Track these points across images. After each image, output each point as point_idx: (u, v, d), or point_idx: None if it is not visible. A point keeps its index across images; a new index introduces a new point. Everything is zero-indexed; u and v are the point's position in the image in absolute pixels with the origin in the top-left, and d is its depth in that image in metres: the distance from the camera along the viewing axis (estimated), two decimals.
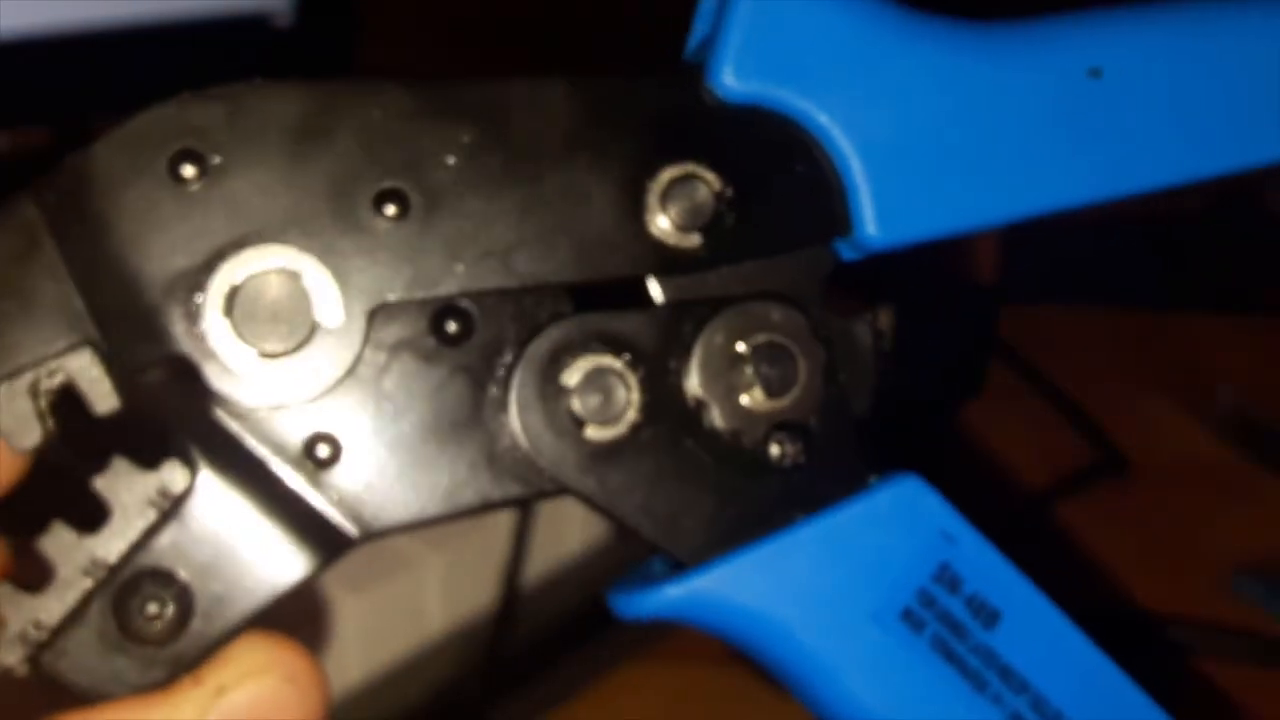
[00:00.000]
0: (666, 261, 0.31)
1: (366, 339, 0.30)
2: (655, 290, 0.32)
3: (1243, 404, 0.86)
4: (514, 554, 0.63)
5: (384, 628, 0.60)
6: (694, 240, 0.31)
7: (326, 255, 0.29)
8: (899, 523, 0.31)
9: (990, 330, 0.88)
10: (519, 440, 0.30)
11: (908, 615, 0.31)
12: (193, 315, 0.29)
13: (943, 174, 0.32)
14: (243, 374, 0.29)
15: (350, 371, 0.30)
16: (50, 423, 0.28)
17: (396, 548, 0.61)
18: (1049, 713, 0.32)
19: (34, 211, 0.28)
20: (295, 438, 0.29)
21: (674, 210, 0.31)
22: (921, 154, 0.32)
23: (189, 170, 0.29)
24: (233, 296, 0.29)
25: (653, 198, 0.31)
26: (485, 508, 0.31)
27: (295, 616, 0.58)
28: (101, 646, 0.29)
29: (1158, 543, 0.75)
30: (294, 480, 0.29)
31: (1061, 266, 0.93)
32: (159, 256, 0.29)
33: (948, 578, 0.32)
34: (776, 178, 0.32)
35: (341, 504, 0.30)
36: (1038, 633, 0.32)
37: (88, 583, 0.28)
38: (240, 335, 0.29)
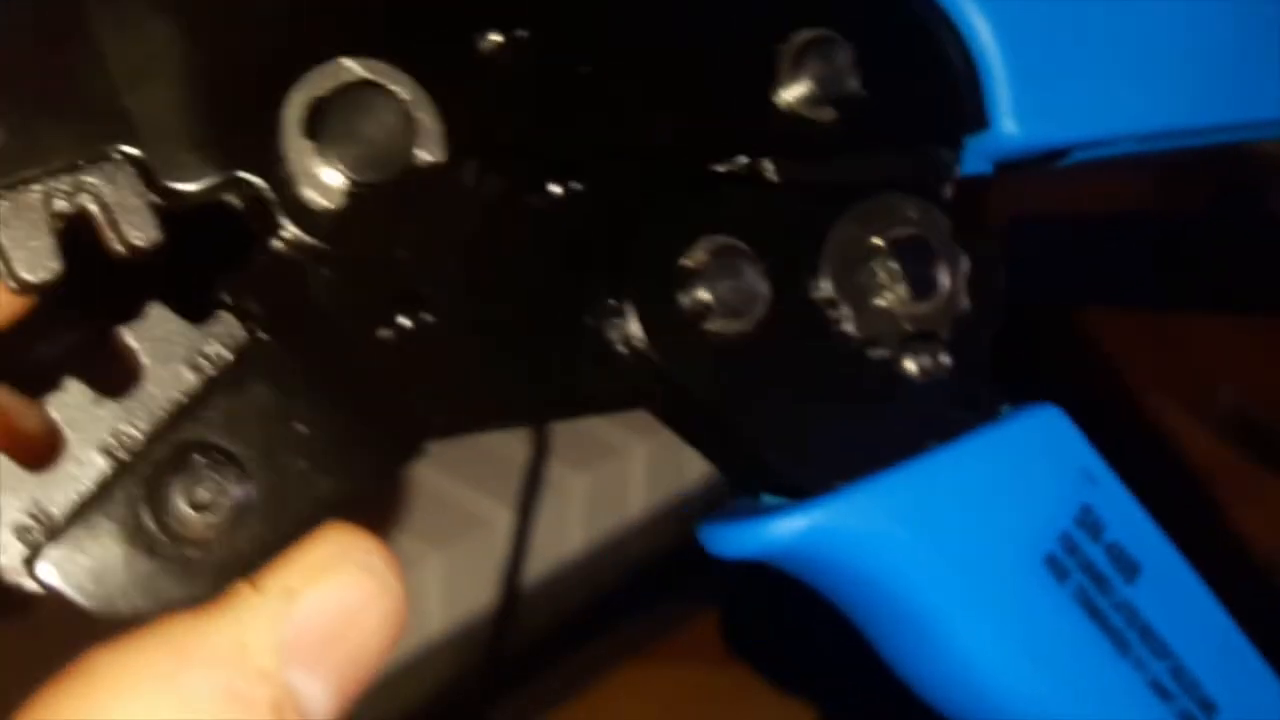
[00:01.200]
0: (797, 136, 0.27)
1: (467, 187, 0.24)
2: (774, 174, 0.28)
3: (1243, 404, 0.86)
4: (514, 554, 0.63)
5: None
6: (828, 114, 0.27)
7: (428, 77, 0.24)
8: (1041, 457, 0.28)
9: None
10: (632, 332, 0.25)
11: (1051, 562, 0.28)
12: (266, 129, 0.23)
13: (1075, 74, 0.29)
14: (324, 207, 0.23)
15: (446, 223, 0.24)
16: (63, 254, 0.21)
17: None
18: (1187, 681, 0.29)
19: None
20: (378, 297, 0.24)
21: (809, 76, 0.27)
22: (1056, 49, 0.29)
23: None
24: (317, 111, 0.23)
25: (785, 62, 0.27)
26: (584, 412, 0.27)
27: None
28: (127, 545, 0.22)
29: None
30: (373, 350, 0.24)
31: (1061, 266, 0.93)
32: (224, 56, 0.23)
33: (1090, 522, 0.28)
34: (911, 56, 0.28)
35: (424, 388, 0.24)
36: (1175, 591, 0.29)
37: (107, 460, 0.22)
38: (325, 158, 0.23)
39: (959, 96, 0.29)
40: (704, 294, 0.26)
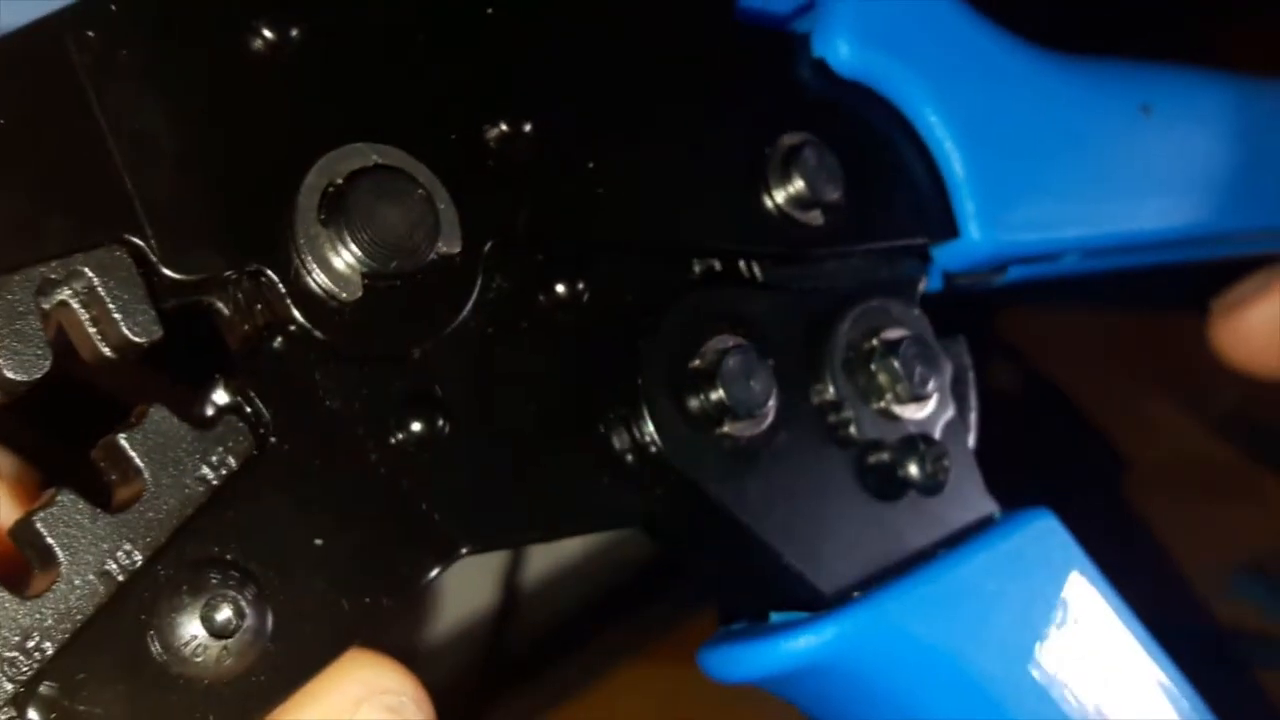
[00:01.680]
0: (786, 238, 0.27)
1: (483, 280, 0.23)
2: (762, 275, 0.28)
3: (1243, 404, 0.86)
4: (514, 554, 0.63)
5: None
6: (815, 217, 0.27)
7: (442, 165, 0.23)
8: (1040, 564, 0.29)
9: None
10: (647, 434, 0.24)
11: (1058, 668, 0.28)
12: (277, 214, 0.21)
13: (1033, 185, 0.31)
14: (338, 299, 0.21)
15: (463, 319, 0.23)
16: (53, 350, 0.19)
17: None
18: None
19: (72, 52, 0.20)
20: (392, 399, 0.22)
21: (799, 177, 0.27)
22: (1016, 162, 0.30)
23: (269, 33, 0.21)
24: (333, 198, 0.21)
25: (773, 166, 0.27)
26: (600, 527, 0.26)
27: None
28: (130, 680, 0.19)
29: (1157, 543, 0.75)
30: (387, 457, 0.22)
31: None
32: (233, 137, 0.21)
33: (1085, 628, 0.29)
34: (885, 162, 0.29)
35: (442, 499, 0.23)
36: (1159, 700, 0.29)
37: (105, 583, 0.19)
38: (341, 245, 0.21)
39: (929, 206, 0.30)
40: (716, 395, 0.25)
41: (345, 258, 0.21)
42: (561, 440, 0.24)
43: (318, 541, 0.21)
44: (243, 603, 0.20)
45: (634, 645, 0.67)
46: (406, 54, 0.23)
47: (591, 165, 0.25)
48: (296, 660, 0.20)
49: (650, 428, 0.25)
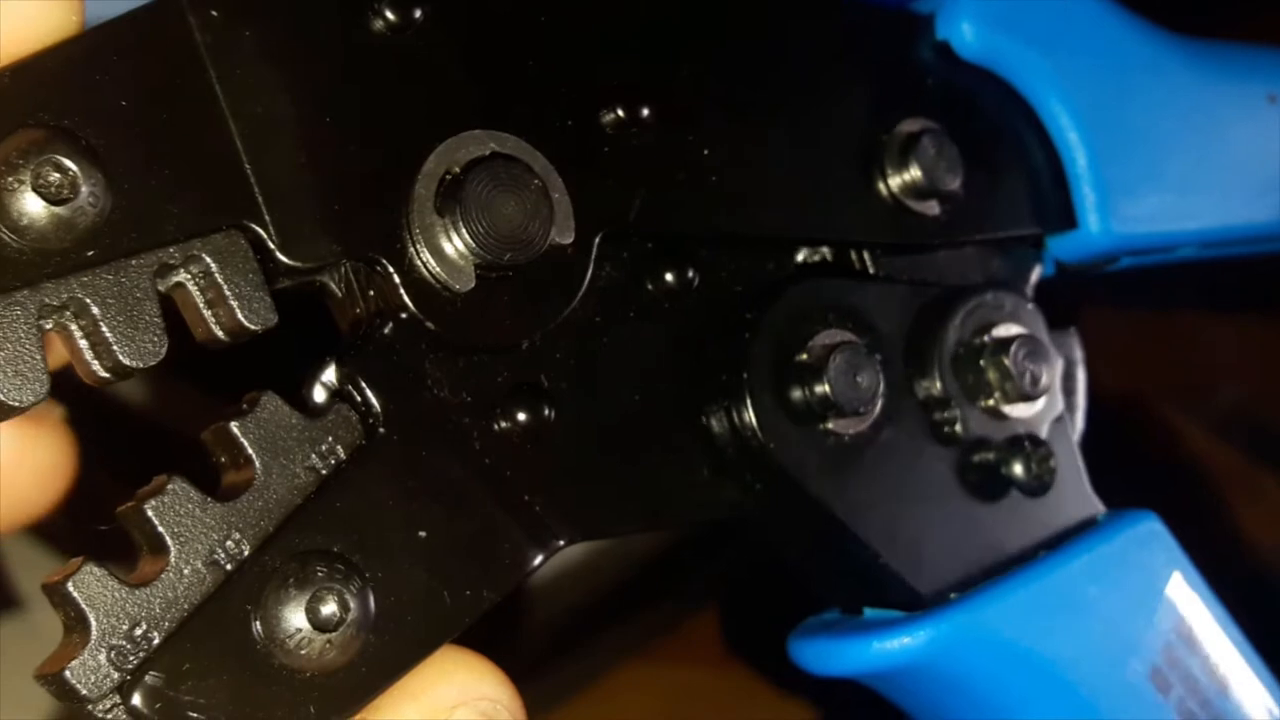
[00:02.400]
0: (902, 228, 0.27)
1: (594, 269, 0.23)
2: (874, 266, 0.27)
3: (1243, 404, 0.86)
4: None
5: None
6: (930, 207, 0.27)
7: (557, 157, 0.23)
8: (1144, 567, 0.28)
9: None
10: (748, 429, 0.24)
11: (1156, 675, 0.27)
12: (394, 203, 0.21)
13: (1155, 176, 0.30)
14: (451, 289, 0.21)
15: (572, 309, 0.23)
16: (168, 335, 0.19)
17: None
18: None
19: (188, 30, 0.20)
20: (498, 388, 0.22)
21: (916, 165, 0.26)
22: (1138, 152, 0.29)
23: (392, 15, 0.21)
24: (449, 187, 0.21)
25: (890, 153, 0.26)
26: (699, 518, 0.25)
27: None
28: (235, 669, 0.19)
29: None
30: (491, 446, 0.22)
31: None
32: (352, 122, 0.21)
33: (1186, 632, 0.28)
34: (1004, 150, 0.28)
35: (546, 493, 0.22)
36: (1258, 704, 0.28)
37: (213, 572, 0.19)
38: (458, 238, 0.21)
39: (1047, 196, 0.29)
40: (821, 389, 0.25)
41: (459, 248, 0.21)
42: (663, 432, 0.24)
43: (422, 533, 0.21)
44: (348, 596, 0.20)
45: (635, 645, 0.67)
46: (524, 38, 0.23)
47: (706, 152, 0.24)
48: (397, 653, 0.20)
49: (752, 420, 0.24)
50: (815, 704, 0.63)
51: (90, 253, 0.19)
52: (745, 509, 0.25)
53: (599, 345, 0.23)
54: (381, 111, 0.21)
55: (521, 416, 0.22)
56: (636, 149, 0.24)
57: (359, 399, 0.21)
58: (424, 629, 0.21)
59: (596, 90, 0.23)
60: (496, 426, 0.22)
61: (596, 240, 0.23)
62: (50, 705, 0.53)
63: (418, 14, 0.21)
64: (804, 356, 0.25)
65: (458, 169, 0.21)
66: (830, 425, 0.25)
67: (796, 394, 0.25)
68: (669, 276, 0.24)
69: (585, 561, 0.67)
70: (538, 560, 0.22)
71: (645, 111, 0.24)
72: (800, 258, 0.26)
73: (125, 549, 0.20)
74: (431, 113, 0.22)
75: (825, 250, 0.27)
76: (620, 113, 0.23)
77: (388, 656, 0.20)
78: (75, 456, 0.24)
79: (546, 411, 0.23)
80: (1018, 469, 0.27)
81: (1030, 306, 0.28)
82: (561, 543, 0.23)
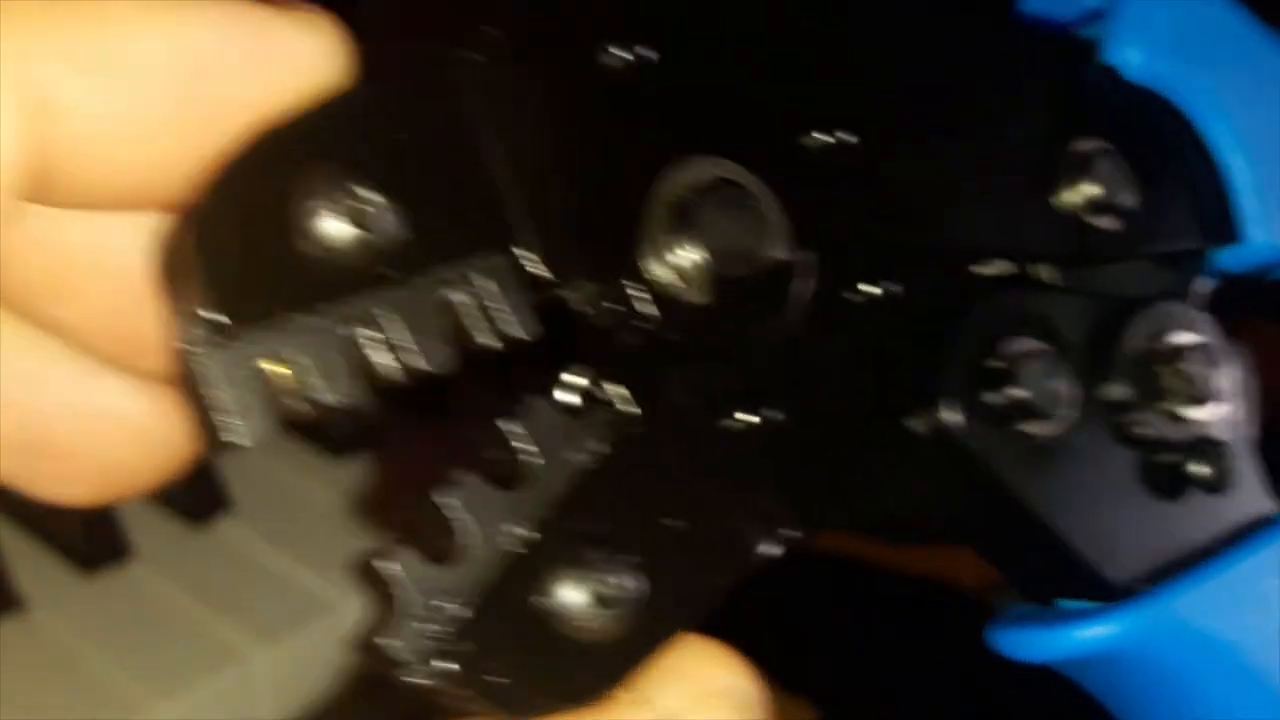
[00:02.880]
0: (1082, 242, 0.28)
1: (801, 283, 0.25)
2: (1051, 278, 0.29)
3: None
4: None
5: None
6: (1107, 221, 0.28)
7: (771, 177, 0.25)
8: None
9: None
10: (948, 421, 0.26)
11: None
12: (633, 226, 0.23)
13: None
14: (687, 301, 0.24)
15: (785, 318, 0.25)
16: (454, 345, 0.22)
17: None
18: None
19: (458, 77, 0.22)
20: (726, 392, 0.24)
21: (1094, 181, 0.28)
22: None
23: (624, 57, 0.24)
24: (680, 208, 0.24)
25: (1068, 171, 0.28)
26: (905, 511, 0.27)
27: (295, 615, 0.58)
28: (524, 641, 0.22)
29: None
30: (720, 445, 0.24)
31: None
32: (592, 154, 0.23)
33: None
34: (1171, 166, 0.30)
35: (775, 488, 0.25)
36: None
37: (503, 554, 0.22)
38: (691, 253, 0.23)
39: (1211, 210, 0.30)
40: (1016, 393, 0.26)
41: (691, 263, 0.23)
42: (869, 433, 0.26)
43: (674, 522, 0.23)
44: (617, 575, 0.22)
45: None
46: (736, 73, 0.25)
47: (901, 171, 0.26)
48: (656, 629, 0.23)
49: (952, 422, 0.26)
50: (815, 704, 0.63)
51: (386, 272, 0.21)
52: (943, 505, 0.27)
53: (809, 352, 0.25)
54: (617, 142, 0.23)
55: (751, 418, 0.24)
56: (838, 169, 0.26)
57: (612, 401, 0.23)
58: (680, 607, 0.23)
59: (802, 117, 0.26)
60: (725, 426, 0.24)
61: (805, 255, 0.25)
62: (51, 705, 0.53)
63: (642, 52, 0.24)
64: (997, 362, 0.26)
65: (686, 192, 0.24)
66: (1023, 427, 0.27)
67: (992, 397, 0.26)
68: (868, 288, 0.26)
69: None
70: (768, 549, 0.25)
71: (846, 135, 0.26)
72: (988, 270, 0.28)
73: (421, 534, 0.22)
74: (660, 141, 0.24)
75: (1009, 263, 0.28)
76: (823, 136, 0.25)
77: (650, 631, 0.23)
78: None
79: (769, 413, 0.25)
80: (1198, 469, 0.28)
81: (1203, 315, 0.30)
82: (791, 533, 0.25)
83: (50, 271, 0.22)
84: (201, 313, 0.20)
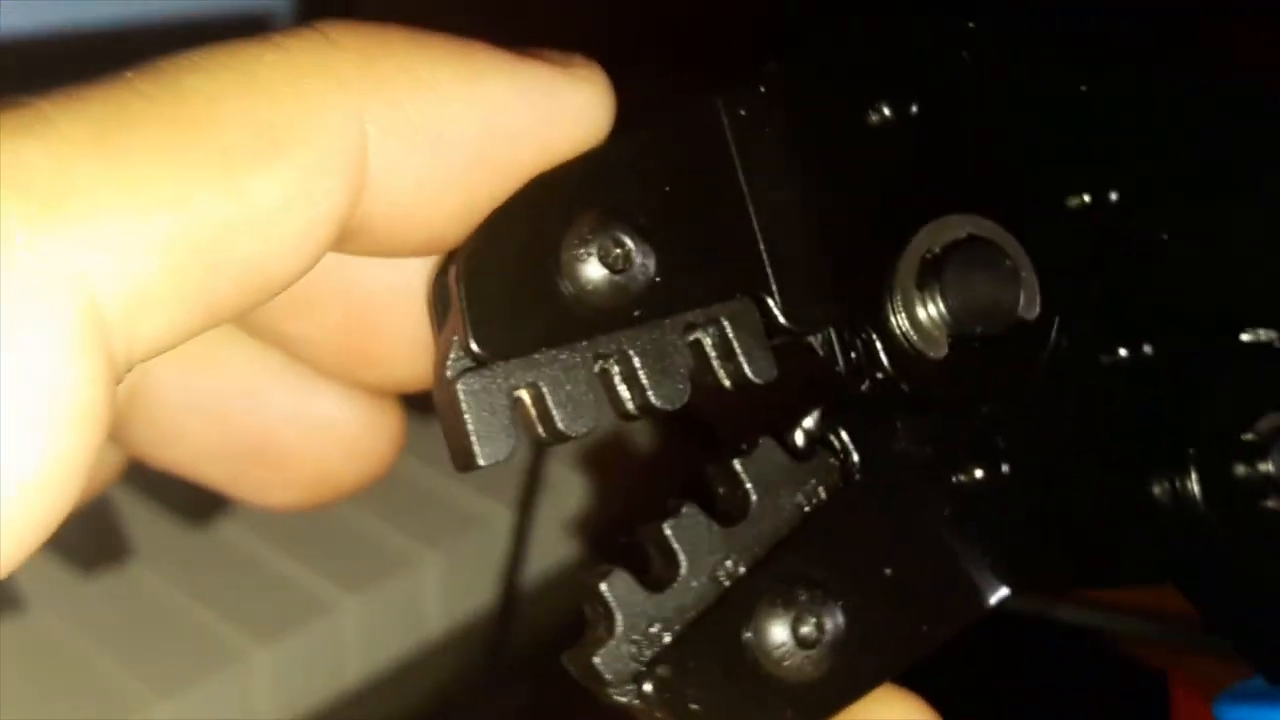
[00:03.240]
0: None
1: (1051, 344, 0.25)
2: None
3: None
4: (514, 554, 0.63)
5: (384, 628, 0.60)
6: None
7: (1026, 234, 0.25)
8: None
9: None
10: (1191, 497, 0.25)
11: None
12: (880, 277, 0.24)
13: None
14: (925, 356, 0.24)
15: (1031, 378, 0.25)
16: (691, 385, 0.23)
17: (396, 548, 0.61)
18: None
19: (720, 125, 0.23)
20: (960, 447, 0.25)
21: None
22: None
23: (889, 112, 0.24)
24: (929, 264, 0.24)
25: None
26: (1139, 579, 0.27)
27: (294, 615, 0.58)
28: (727, 673, 0.22)
29: None
30: (948, 499, 0.24)
31: None
32: (849, 207, 0.24)
33: None
34: None
35: (997, 547, 0.24)
36: None
37: (715, 586, 0.23)
38: (934, 308, 0.24)
39: None
40: (1266, 468, 0.26)
41: (935, 319, 0.24)
42: (1108, 496, 0.26)
43: (888, 570, 0.23)
44: (825, 618, 0.23)
45: None
46: (1001, 130, 0.25)
47: (1165, 234, 0.26)
48: (861, 674, 0.23)
49: (1196, 490, 0.26)
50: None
51: (636, 313, 0.22)
52: (1178, 575, 0.26)
53: (1052, 412, 0.25)
54: (874, 196, 0.24)
55: (979, 473, 0.25)
56: (1099, 230, 0.26)
57: (839, 447, 0.24)
58: (885, 655, 0.23)
59: (1063, 175, 0.26)
60: (956, 480, 0.24)
61: (1058, 315, 0.25)
62: (51, 705, 0.53)
63: (913, 109, 0.24)
64: (1250, 435, 0.26)
65: (937, 249, 0.24)
66: (1271, 503, 0.26)
67: (1240, 470, 0.26)
68: (1122, 351, 0.26)
69: (584, 562, 0.67)
70: (986, 605, 0.25)
71: (1112, 195, 0.26)
72: (1246, 338, 0.27)
73: (641, 559, 0.23)
74: (917, 198, 0.24)
75: (1270, 332, 0.28)
76: (1086, 197, 0.26)
77: (853, 676, 0.23)
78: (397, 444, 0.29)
79: (1002, 470, 0.25)
80: None
81: None
82: (1006, 591, 0.25)
83: (291, 292, 0.22)
84: (461, 344, 0.22)
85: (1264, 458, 0.26)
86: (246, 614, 0.57)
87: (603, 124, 0.23)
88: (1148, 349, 0.26)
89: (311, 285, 0.23)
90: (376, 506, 0.62)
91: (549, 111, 0.22)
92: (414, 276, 0.25)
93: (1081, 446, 0.25)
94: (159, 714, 0.53)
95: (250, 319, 0.26)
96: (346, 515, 0.62)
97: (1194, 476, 0.26)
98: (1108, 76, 0.26)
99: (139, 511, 0.61)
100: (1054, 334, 0.25)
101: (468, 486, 0.64)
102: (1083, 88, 0.26)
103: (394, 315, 0.26)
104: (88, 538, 0.59)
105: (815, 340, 0.24)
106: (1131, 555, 0.26)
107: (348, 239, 0.22)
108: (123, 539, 0.60)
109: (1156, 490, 0.26)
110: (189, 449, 0.28)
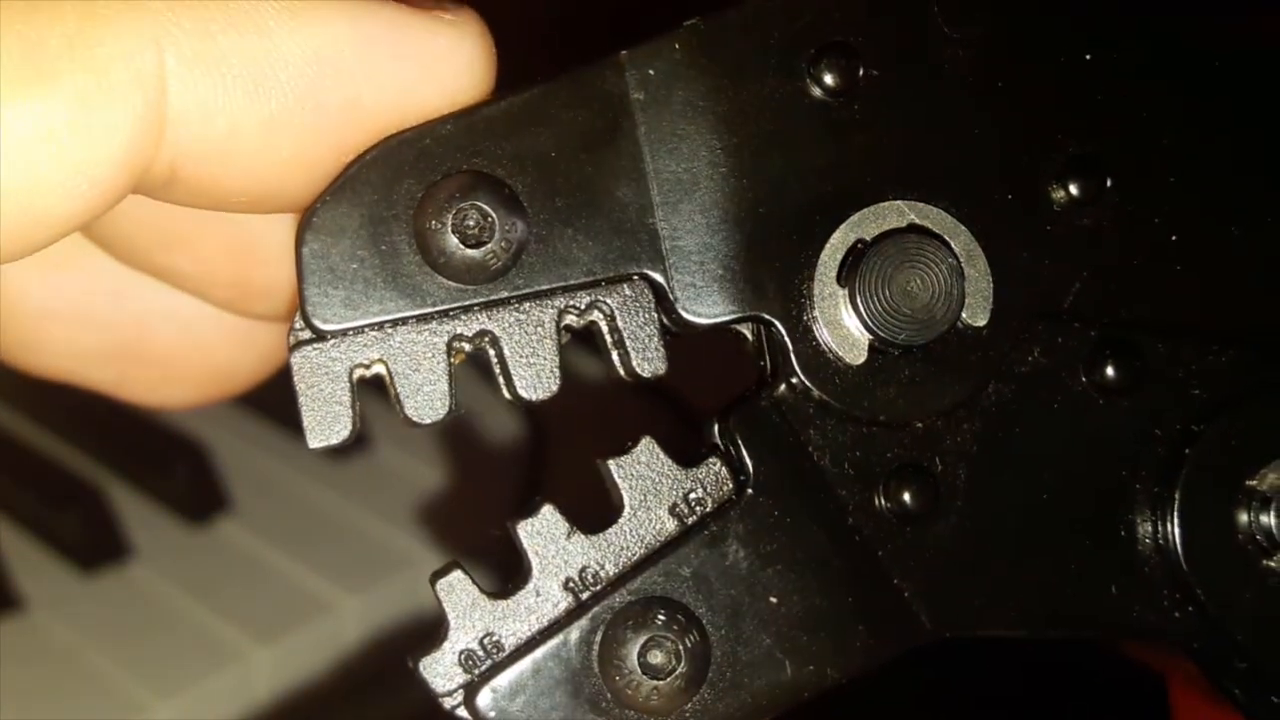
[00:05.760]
0: None
1: (1009, 357, 0.22)
2: None
3: None
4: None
5: (384, 627, 0.60)
6: None
7: (986, 233, 0.22)
8: None
9: None
10: (1177, 551, 0.22)
11: None
12: (796, 269, 0.21)
13: None
14: (843, 363, 0.21)
15: (971, 395, 0.22)
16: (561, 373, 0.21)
17: (396, 547, 0.61)
18: None
19: (623, 87, 0.21)
20: (882, 466, 0.22)
21: None
22: None
23: (831, 78, 0.21)
24: (855, 258, 0.21)
25: None
26: (1108, 633, 0.23)
27: (294, 615, 0.57)
28: (570, 695, 0.20)
29: None
30: (867, 525, 0.21)
31: None
32: (770, 184, 0.21)
33: None
34: None
35: (919, 580, 0.22)
36: None
37: (567, 598, 0.21)
38: (856, 311, 0.21)
39: None
40: (1270, 521, 0.22)
41: (855, 321, 0.21)
42: (1070, 535, 0.22)
43: (773, 599, 0.21)
44: (682, 648, 0.20)
45: None
46: (974, 102, 0.22)
47: (1172, 236, 0.23)
48: (725, 713, 0.21)
49: (1180, 540, 0.22)
50: (815, 701, 0.63)
51: (503, 292, 0.20)
52: (1162, 630, 0.23)
53: (1009, 434, 0.22)
54: (801, 176, 0.21)
55: (906, 497, 0.22)
56: (1086, 228, 0.22)
57: (734, 456, 0.21)
58: (759, 695, 0.21)
59: (1051, 161, 0.22)
60: (877, 503, 0.22)
61: (1016, 323, 0.22)
62: (51, 705, 0.53)
63: (860, 75, 0.21)
64: (1254, 482, 0.23)
65: (867, 239, 0.21)
66: (1272, 563, 0.22)
67: (1241, 519, 0.22)
68: (1110, 371, 0.22)
69: None
70: (896, 649, 0.22)
71: (1108, 184, 0.22)
72: (1263, 366, 0.23)
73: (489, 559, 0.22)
74: (853, 180, 0.21)
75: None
76: (1073, 189, 0.22)
77: (718, 715, 0.21)
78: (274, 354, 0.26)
79: (933, 497, 0.22)
80: None
81: None
82: (921, 630, 0.22)
83: (156, 226, 0.21)
84: (300, 317, 0.20)
85: (1268, 510, 0.22)
86: (246, 614, 0.57)
87: (476, 77, 0.21)
88: (1139, 370, 0.22)
89: (181, 217, 0.22)
90: (377, 506, 0.62)
91: (403, 58, 0.20)
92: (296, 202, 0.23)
93: (1043, 478, 0.22)
94: (159, 714, 0.52)
95: (120, 250, 0.24)
96: (347, 515, 0.62)
97: (1181, 523, 0.22)
98: (1124, 38, 0.22)
99: (139, 511, 0.61)
100: (1009, 347, 0.22)
101: (468, 486, 0.64)
102: (1088, 56, 0.22)
103: (277, 244, 0.23)
104: (88, 538, 0.59)
105: (746, 330, 0.22)
106: (1101, 603, 0.22)
107: (160, 186, 0.20)
108: (123, 539, 0.60)
109: (1134, 534, 0.22)
110: (65, 352, 0.26)
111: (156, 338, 0.26)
